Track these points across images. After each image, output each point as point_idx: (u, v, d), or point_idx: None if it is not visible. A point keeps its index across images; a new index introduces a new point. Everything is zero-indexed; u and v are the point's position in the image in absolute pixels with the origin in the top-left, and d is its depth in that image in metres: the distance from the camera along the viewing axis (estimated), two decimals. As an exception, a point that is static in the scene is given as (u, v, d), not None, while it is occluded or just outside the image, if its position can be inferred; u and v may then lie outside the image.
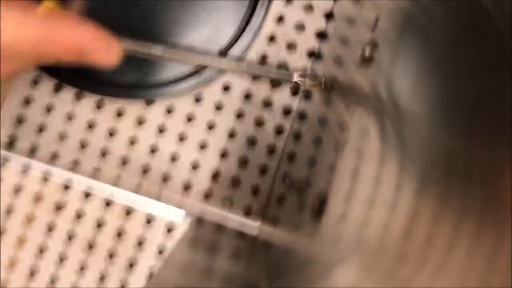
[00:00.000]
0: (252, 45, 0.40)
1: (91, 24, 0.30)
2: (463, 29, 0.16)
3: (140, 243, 0.40)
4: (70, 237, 0.40)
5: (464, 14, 0.16)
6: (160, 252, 0.40)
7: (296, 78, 0.30)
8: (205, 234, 0.38)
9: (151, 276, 0.40)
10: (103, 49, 0.30)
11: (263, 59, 0.41)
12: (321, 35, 0.41)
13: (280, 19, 0.41)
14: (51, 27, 0.28)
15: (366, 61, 0.23)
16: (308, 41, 0.41)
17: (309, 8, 0.41)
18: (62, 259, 0.40)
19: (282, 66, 0.41)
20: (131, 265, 0.40)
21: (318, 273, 0.22)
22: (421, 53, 0.18)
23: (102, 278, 0.40)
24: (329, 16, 0.41)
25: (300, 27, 0.41)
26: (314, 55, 0.41)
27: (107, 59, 0.30)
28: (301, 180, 0.31)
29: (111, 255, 0.40)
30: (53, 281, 0.40)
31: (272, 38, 0.41)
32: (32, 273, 0.40)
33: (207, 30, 0.40)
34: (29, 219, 0.40)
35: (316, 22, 0.41)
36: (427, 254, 0.14)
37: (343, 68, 0.29)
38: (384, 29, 0.23)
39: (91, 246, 0.40)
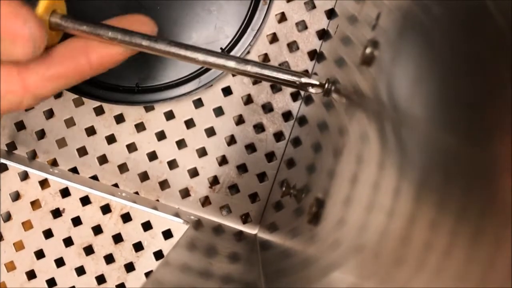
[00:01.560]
0: (253, 45, 0.40)
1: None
2: (463, 29, 0.16)
3: (137, 249, 0.40)
4: (68, 243, 0.40)
5: (464, 14, 0.16)
6: (158, 258, 0.40)
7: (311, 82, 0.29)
8: (203, 237, 0.38)
9: (148, 277, 0.39)
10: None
11: (264, 59, 0.41)
12: (323, 35, 0.41)
13: (282, 18, 0.41)
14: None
15: (367, 60, 0.23)
16: (310, 40, 0.41)
17: (311, 6, 0.41)
18: (59, 265, 0.40)
19: (284, 66, 0.41)
20: (128, 270, 0.40)
21: (316, 276, 0.22)
22: (421, 53, 0.18)
23: (99, 283, 0.40)
24: (330, 15, 0.40)
25: (302, 26, 0.41)
26: (316, 54, 0.41)
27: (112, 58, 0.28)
28: (300, 186, 0.31)
29: (108, 261, 0.40)
30: (51, 285, 0.40)
31: (273, 38, 0.41)
32: (30, 278, 0.40)
33: (208, 31, 0.39)
34: (27, 225, 0.40)
35: (318, 21, 0.41)
36: (425, 259, 0.14)
37: (343, 68, 0.29)
38: (384, 28, 0.23)
39: (88, 252, 0.40)
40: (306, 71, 0.41)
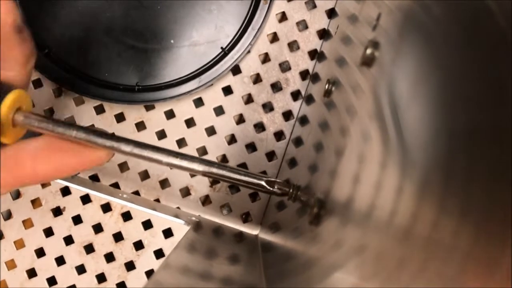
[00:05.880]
0: (254, 45, 0.40)
1: None
2: (464, 29, 0.15)
3: (138, 248, 0.40)
4: (69, 241, 0.40)
5: (465, 13, 0.16)
6: (158, 256, 0.40)
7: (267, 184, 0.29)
8: (204, 237, 0.38)
9: (149, 277, 0.39)
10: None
11: (265, 58, 0.41)
12: (324, 34, 0.41)
13: (282, 18, 0.41)
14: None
15: (367, 61, 0.23)
16: (310, 40, 0.41)
17: (311, 6, 0.41)
18: (60, 263, 0.40)
19: (285, 65, 0.41)
20: (128, 269, 0.40)
21: (318, 277, 0.22)
22: (422, 53, 0.18)
23: (100, 282, 0.40)
24: (331, 14, 0.40)
25: (303, 26, 0.41)
26: (316, 54, 0.41)
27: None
28: (301, 185, 0.31)
29: (109, 259, 0.40)
30: (51, 284, 0.40)
31: (274, 37, 0.41)
32: (30, 276, 0.40)
33: (208, 30, 0.39)
34: (28, 223, 0.40)
35: (319, 20, 0.41)
36: (427, 259, 0.14)
37: (344, 68, 0.29)
38: (385, 28, 0.23)
39: (89, 250, 0.40)
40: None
